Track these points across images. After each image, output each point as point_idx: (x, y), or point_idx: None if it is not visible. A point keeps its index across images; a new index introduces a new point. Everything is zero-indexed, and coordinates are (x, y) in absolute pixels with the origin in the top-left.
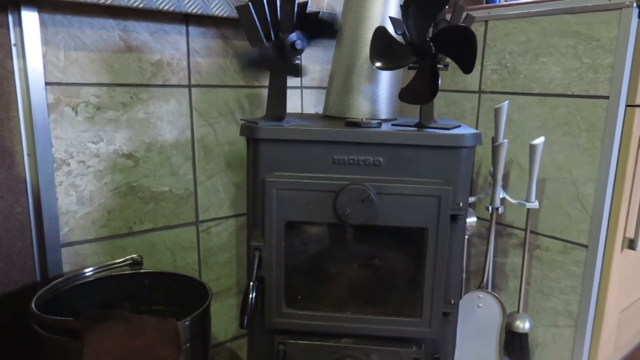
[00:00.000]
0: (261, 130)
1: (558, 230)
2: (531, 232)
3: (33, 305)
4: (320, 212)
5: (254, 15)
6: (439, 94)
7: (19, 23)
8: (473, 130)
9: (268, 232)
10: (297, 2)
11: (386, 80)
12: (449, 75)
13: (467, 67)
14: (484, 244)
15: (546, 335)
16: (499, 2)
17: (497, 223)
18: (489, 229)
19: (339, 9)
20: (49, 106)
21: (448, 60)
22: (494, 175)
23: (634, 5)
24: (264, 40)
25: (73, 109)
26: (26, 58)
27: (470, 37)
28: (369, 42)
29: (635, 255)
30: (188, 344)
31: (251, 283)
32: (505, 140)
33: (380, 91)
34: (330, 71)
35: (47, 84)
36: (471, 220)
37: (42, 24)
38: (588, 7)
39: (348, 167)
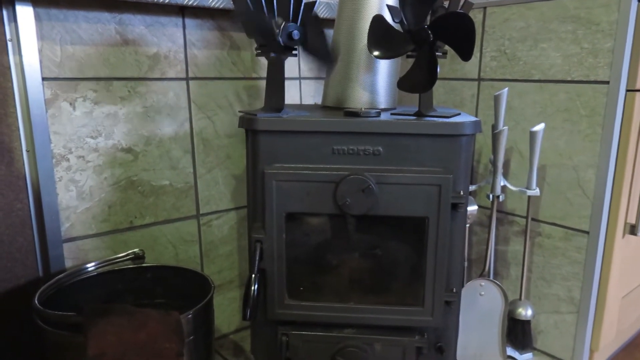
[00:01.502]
0: (260, 121)
1: (559, 216)
2: (532, 219)
3: (36, 301)
4: (321, 203)
5: (250, 6)
6: (438, 82)
7: (13, 18)
8: (473, 118)
9: (269, 224)
10: None
11: (384, 69)
12: (448, 62)
13: (466, 55)
14: (485, 232)
15: (548, 322)
16: None
17: (498, 211)
18: (490, 217)
19: None
20: (47, 101)
21: (447, 47)
22: (494, 162)
23: None
24: (259, 32)
25: (71, 104)
26: (22, 53)
27: (469, 24)
28: (367, 31)
29: (637, 240)
30: (191, 337)
31: (253, 275)
32: (505, 128)
33: (379, 80)
34: None
35: (44, 79)
36: (472, 208)
37: (37, 18)
38: None
39: (348, 157)
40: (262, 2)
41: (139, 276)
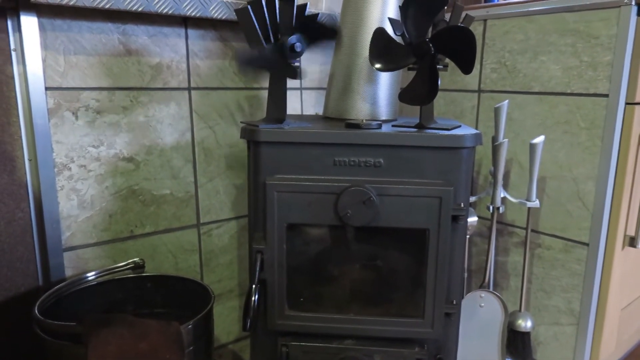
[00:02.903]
0: (262, 132)
1: (559, 228)
2: (532, 230)
3: (36, 310)
4: (322, 214)
5: (253, 18)
6: (439, 93)
7: (18, 28)
8: (473, 131)
9: (270, 235)
10: (296, 4)
11: (386, 81)
12: (448, 74)
13: (466, 68)
14: (485, 243)
15: (548, 333)
16: (498, 0)
17: (498, 222)
18: (490, 228)
19: (337, 10)
20: (50, 111)
21: (447, 60)
22: (494, 174)
23: (633, 2)
24: (263, 42)
25: (73, 113)
26: (26, 63)
27: (470, 38)
28: (368, 43)
29: (636, 252)
30: (191, 347)
31: (253, 286)
32: (506, 140)
33: (380, 92)
34: (330, 72)
35: (47, 88)
36: (472, 219)
37: (42, 28)
38: (587, 5)
39: (349, 168)
40: (264, 14)
41: (139, 285)
